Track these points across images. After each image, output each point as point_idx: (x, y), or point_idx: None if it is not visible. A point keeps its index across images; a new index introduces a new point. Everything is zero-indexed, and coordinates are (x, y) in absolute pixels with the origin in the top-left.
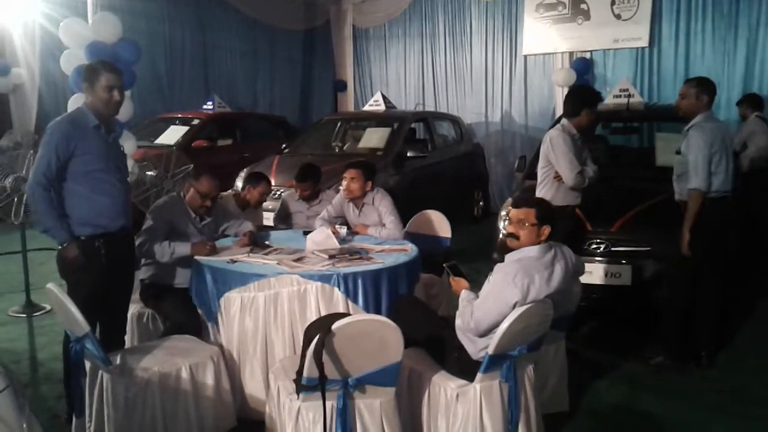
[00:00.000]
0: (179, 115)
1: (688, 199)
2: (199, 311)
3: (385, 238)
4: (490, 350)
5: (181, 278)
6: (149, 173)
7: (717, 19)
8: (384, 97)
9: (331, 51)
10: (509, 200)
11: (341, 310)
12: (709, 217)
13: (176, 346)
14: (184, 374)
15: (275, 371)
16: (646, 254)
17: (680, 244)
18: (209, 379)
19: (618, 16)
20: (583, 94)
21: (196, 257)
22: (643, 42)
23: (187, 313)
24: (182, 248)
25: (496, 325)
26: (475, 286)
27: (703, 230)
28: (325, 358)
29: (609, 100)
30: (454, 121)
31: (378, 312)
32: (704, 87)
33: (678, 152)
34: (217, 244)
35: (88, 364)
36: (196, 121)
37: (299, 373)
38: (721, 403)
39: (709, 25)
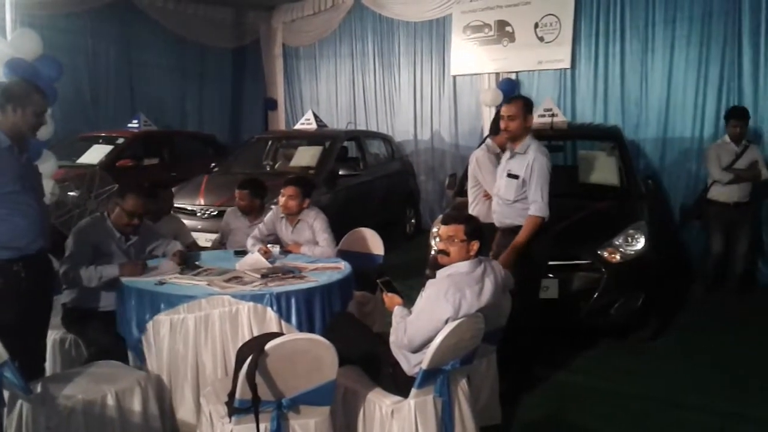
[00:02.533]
0: (103, 134)
1: None
2: (125, 336)
3: (318, 257)
4: (424, 365)
5: (106, 301)
6: (71, 194)
7: (634, 42)
8: (315, 116)
9: (261, 69)
10: (440, 217)
11: (274, 329)
12: None
13: (101, 373)
14: (110, 401)
15: (206, 394)
16: (572, 268)
17: None
18: (136, 406)
19: (541, 39)
20: None
21: (122, 279)
22: (565, 64)
23: (112, 337)
24: (110, 270)
25: (430, 340)
26: (409, 302)
27: None
28: (258, 379)
29: (534, 120)
30: (385, 139)
31: (312, 330)
32: None
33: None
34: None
35: (6, 393)
36: (120, 140)
37: (231, 395)
38: (647, 408)
39: (627, 47)
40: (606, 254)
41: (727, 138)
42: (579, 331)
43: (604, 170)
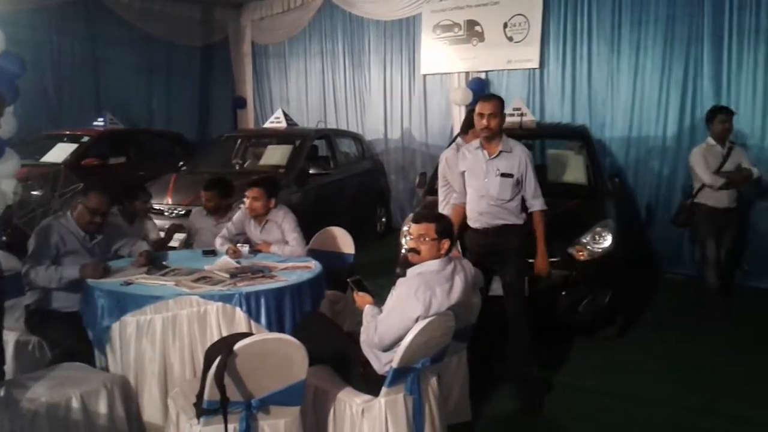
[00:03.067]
0: (68, 132)
1: None
2: (91, 337)
3: (288, 256)
4: (395, 364)
5: (70, 302)
6: (34, 193)
7: (601, 42)
8: (285, 114)
9: (230, 67)
10: (411, 216)
11: (243, 330)
12: None
13: (65, 375)
14: (75, 404)
15: (174, 396)
16: None
17: None
18: (102, 408)
19: (510, 39)
20: (472, 113)
21: (88, 280)
22: (534, 63)
23: (76, 339)
24: (70, 271)
25: (400, 338)
26: (380, 301)
27: None
28: (227, 379)
29: None
30: (356, 138)
31: (282, 330)
32: None
33: None
34: (110, 265)
35: None
36: (85, 139)
37: (199, 396)
38: (615, 405)
39: (594, 48)
40: (574, 252)
41: (711, 140)
42: (548, 328)
43: (572, 169)
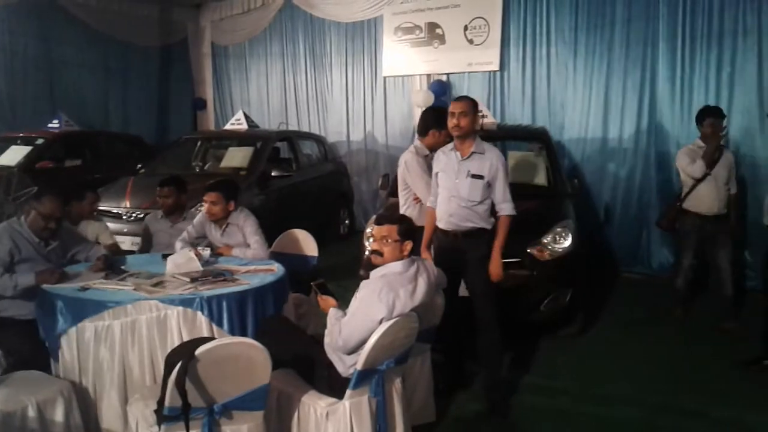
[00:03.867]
0: (21, 135)
1: None
2: (47, 344)
3: (250, 259)
4: (359, 366)
5: (26, 310)
6: None
7: (559, 45)
8: (246, 116)
9: (189, 68)
10: (374, 218)
11: (205, 334)
12: None
13: (21, 383)
14: (31, 412)
15: (134, 403)
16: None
17: None
18: (59, 416)
19: (471, 41)
20: (430, 115)
21: (44, 286)
22: (494, 66)
23: (32, 346)
24: (26, 279)
25: (364, 341)
26: (344, 303)
27: None
28: (189, 385)
29: None
30: (318, 140)
31: (244, 334)
32: None
33: None
34: (67, 270)
35: None
36: (40, 141)
37: (160, 403)
38: (577, 402)
39: (553, 50)
40: (535, 252)
41: (699, 141)
42: (510, 327)
43: (532, 171)
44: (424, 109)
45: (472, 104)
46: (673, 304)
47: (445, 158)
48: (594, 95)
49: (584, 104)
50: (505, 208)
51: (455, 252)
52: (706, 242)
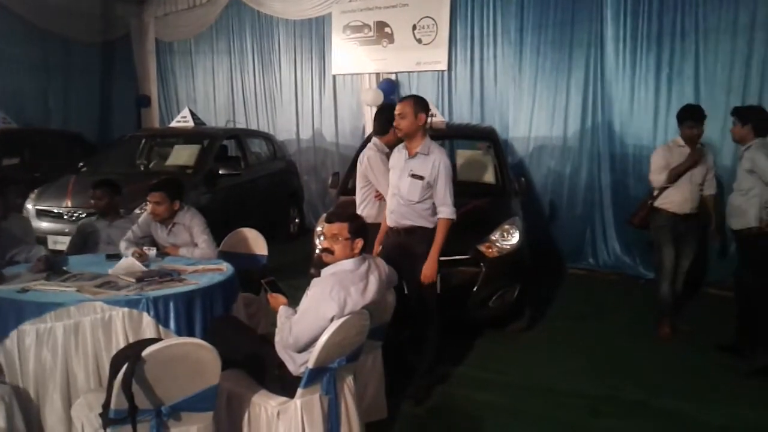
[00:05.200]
0: None
1: None
2: None
3: (198, 258)
4: (310, 364)
5: None
6: None
7: (506, 45)
8: (192, 114)
9: (132, 65)
10: (324, 216)
11: (152, 336)
12: None
13: None
14: None
15: (78, 406)
16: (453, 263)
17: None
18: (0, 422)
19: (419, 41)
20: (390, 112)
21: None
22: (443, 66)
23: None
24: None
25: (315, 339)
26: (294, 302)
27: None
28: (135, 387)
29: None
30: (267, 138)
31: (192, 335)
32: None
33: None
34: (4, 272)
35: None
36: None
37: (106, 406)
38: (526, 395)
39: (500, 50)
40: (484, 249)
41: (680, 140)
42: (460, 323)
43: (481, 169)
44: (378, 107)
45: (413, 104)
46: (658, 319)
47: (397, 156)
48: (539, 95)
49: (530, 104)
50: (444, 211)
51: (399, 248)
52: (678, 241)
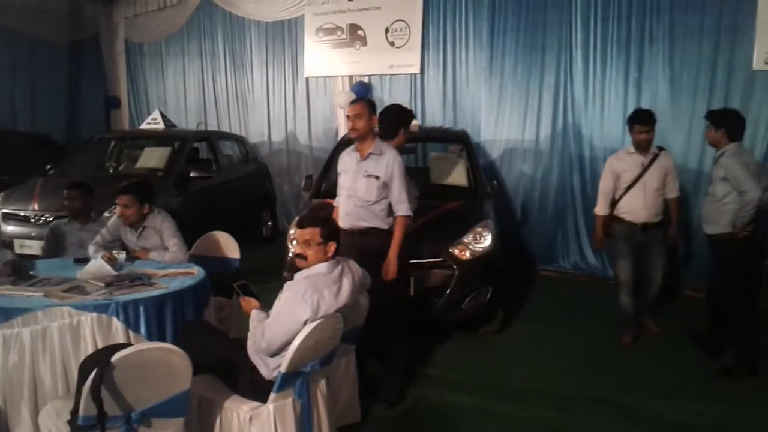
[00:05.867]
0: None
1: None
2: None
3: (169, 262)
4: (283, 368)
5: None
6: None
7: (478, 49)
8: (163, 115)
9: (101, 66)
10: (296, 219)
11: (121, 340)
12: None
13: None
14: None
15: (46, 413)
16: (426, 266)
17: None
18: None
19: (392, 44)
20: (399, 114)
21: None
22: (415, 69)
23: None
24: None
25: (288, 343)
26: (267, 305)
27: None
28: (104, 393)
29: None
30: (239, 140)
31: (163, 340)
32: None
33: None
34: None
35: None
36: None
37: (74, 412)
38: (499, 395)
39: (472, 54)
40: (457, 252)
41: (631, 148)
42: (433, 325)
43: (453, 172)
44: (382, 109)
45: (366, 105)
46: (624, 329)
47: (348, 159)
48: (511, 98)
49: (502, 107)
50: (401, 208)
51: (353, 249)
52: (640, 251)
